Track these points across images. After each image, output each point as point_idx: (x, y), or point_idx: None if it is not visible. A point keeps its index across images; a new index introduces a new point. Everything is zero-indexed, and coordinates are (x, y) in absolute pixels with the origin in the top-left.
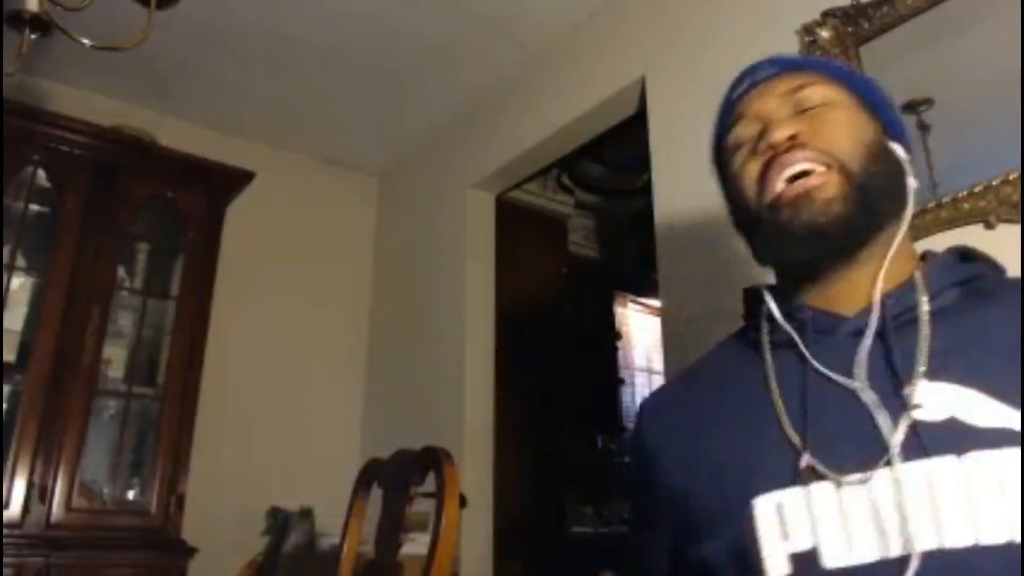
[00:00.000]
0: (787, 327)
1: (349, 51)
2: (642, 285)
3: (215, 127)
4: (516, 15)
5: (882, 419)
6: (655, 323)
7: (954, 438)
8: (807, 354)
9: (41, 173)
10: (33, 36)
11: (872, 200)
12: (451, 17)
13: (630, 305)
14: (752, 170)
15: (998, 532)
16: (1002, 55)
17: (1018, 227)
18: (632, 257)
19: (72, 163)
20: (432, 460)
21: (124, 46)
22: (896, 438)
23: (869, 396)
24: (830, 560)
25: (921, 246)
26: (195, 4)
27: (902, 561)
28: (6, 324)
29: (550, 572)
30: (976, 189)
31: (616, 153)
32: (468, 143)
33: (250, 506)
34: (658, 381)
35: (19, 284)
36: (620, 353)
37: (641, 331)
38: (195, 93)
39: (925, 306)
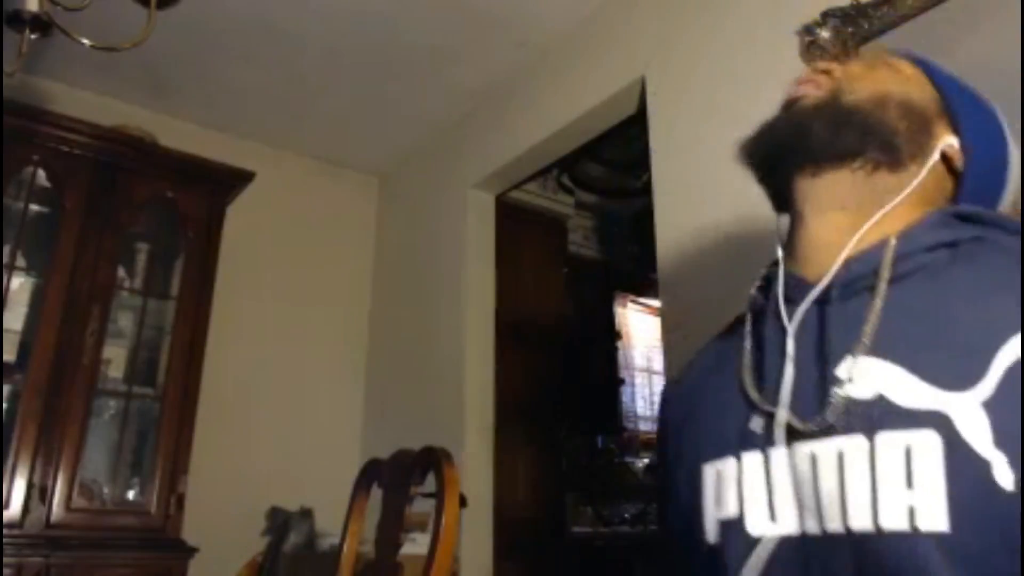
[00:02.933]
0: (756, 296)
1: (349, 50)
2: (642, 285)
3: (215, 127)
4: (516, 15)
5: (798, 391)
6: (655, 323)
7: (874, 416)
8: (747, 331)
9: (41, 173)
10: (33, 36)
11: (847, 119)
12: (451, 17)
13: (630, 305)
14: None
15: (897, 519)
16: (1002, 55)
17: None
18: (632, 257)
19: (72, 163)
20: (432, 460)
21: (124, 46)
22: (817, 411)
23: (788, 371)
24: (754, 528)
25: None
26: (195, 4)
27: (816, 538)
28: (6, 324)
29: (550, 572)
30: None
31: (616, 153)
32: (468, 143)
33: (250, 506)
34: (658, 381)
35: (19, 284)
36: (620, 353)
37: (641, 331)
38: (195, 93)
39: (886, 272)
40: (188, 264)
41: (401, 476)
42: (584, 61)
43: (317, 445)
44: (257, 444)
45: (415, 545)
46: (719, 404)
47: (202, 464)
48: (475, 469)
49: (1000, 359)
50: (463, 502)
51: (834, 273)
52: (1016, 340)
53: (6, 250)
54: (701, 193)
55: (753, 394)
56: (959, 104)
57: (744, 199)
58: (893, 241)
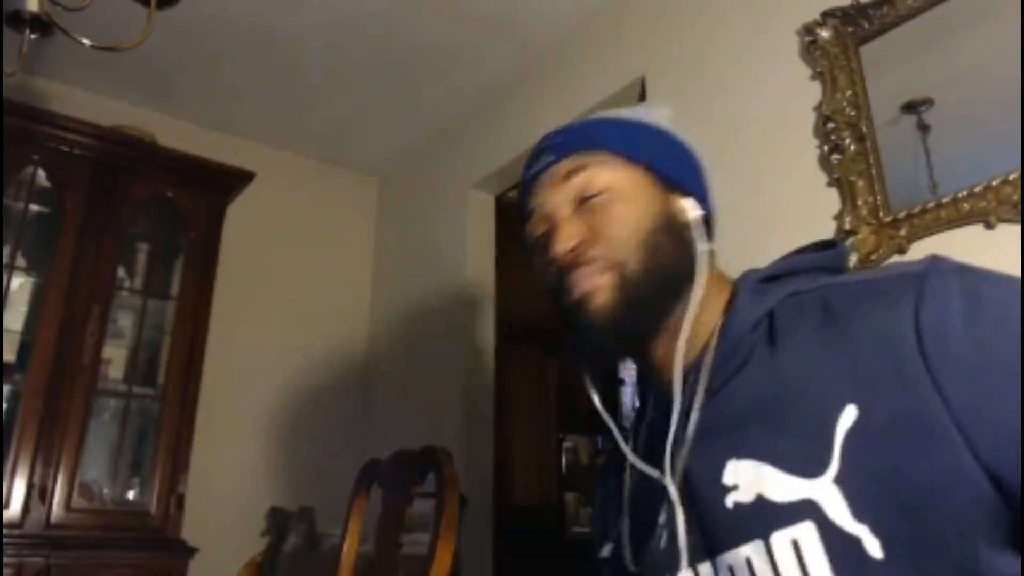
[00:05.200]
0: (606, 419)
1: (349, 51)
2: None
3: (215, 127)
4: (516, 15)
5: (681, 517)
6: None
7: (762, 518)
8: (625, 450)
9: (41, 173)
10: (33, 36)
11: (653, 291)
12: (451, 17)
13: None
14: (550, 277)
15: None
16: (1002, 55)
17: (1018, 227)
18: None
19: (72, 163)
20: (432, 460)
21: (124, 46)
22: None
23: (672, 492)
24: None
25: (922, 246)
26: (195, 4)
27: None
28: (6, 324)
29: (550, 572)
30: (976, 189)
31: None
32: (468, 143)
33: (250, 506)
34: None
35: (19, 284)
36: None
37: None
38: (195, 93)
39: (728, 370)
40: (188, 264)
41: (401, 476)
42: (584, 61)
43: (317, 445)
44: (257, 444)
45: (415, 545)
46: (644, 520)
47: (202, 464)
48: (475, 469)
49: (839, 432)
50: (463, 502)
51: (678, 392)
52: (850, 408)
53: (6, 250)
54: None
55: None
56: (662, 164)
57: (743, 198)
58: (714, 339)
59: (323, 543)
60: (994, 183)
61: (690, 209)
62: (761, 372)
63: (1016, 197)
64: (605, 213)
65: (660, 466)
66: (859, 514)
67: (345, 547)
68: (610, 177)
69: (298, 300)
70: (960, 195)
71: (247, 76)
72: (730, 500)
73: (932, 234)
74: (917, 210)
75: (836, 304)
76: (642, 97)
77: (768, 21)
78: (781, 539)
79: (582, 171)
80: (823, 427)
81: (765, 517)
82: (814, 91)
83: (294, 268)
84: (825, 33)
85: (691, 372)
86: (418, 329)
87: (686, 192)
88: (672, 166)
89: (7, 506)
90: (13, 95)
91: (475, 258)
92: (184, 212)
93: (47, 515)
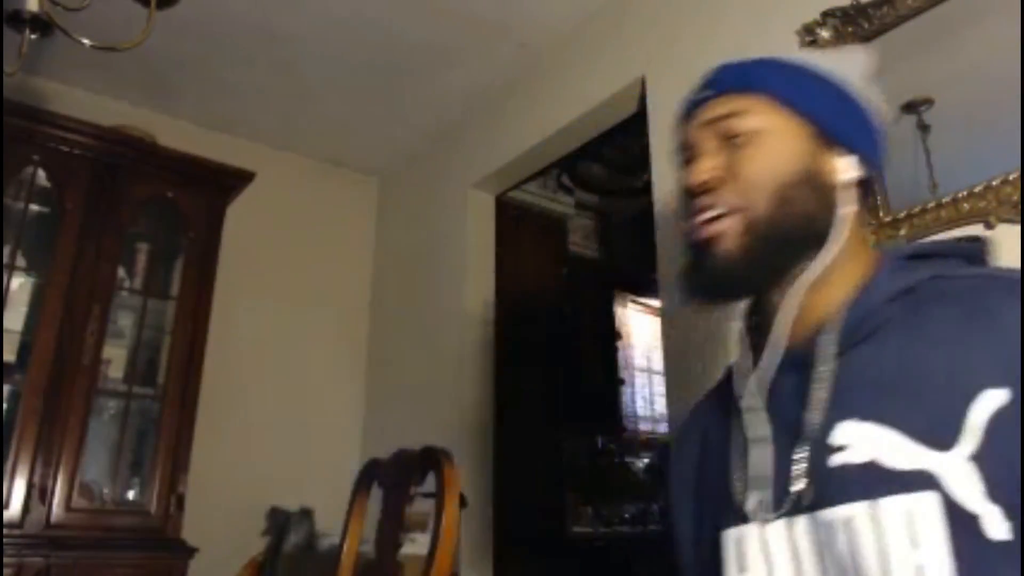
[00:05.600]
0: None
1: (349, 51)
2: (642, 285)
3: (215, 127)
4: (516, 16)
5: (796, 464)
6: (655, 323)
7: (872, 482)
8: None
9: (41, 173)
10: (33, 36)
11: (778, 245)
12: (451, 18)
13: (630, 305)
14: (682, 206)
15: None
16: (1002, 55)
17: (1018, 227)
18: (632, 257)
19: (72, 163)
20: (432, 460)
21: (124, 46)
22: (808, 482)
23: (776, 443)
24: None
25: None
26: (195, 4)
27: None
28: (6, 324)
29: (550, 572)
30: (976, 189)
31: (616, 153)
32: (468, 143)
33: (250, 506)
34: (658, 381)
35: (19, 284)
36: (620, 353)
37: (641, 331)
38: (195, 93)
39: (831, 348)
40: (188, 264)
41: (401, 476)
42: (584, 61)
43: (317, 445)
44: (257, 444)
45: (415, 545)
46: (729, 471)
47: (202, 464)
48: (475, 469)
49: (976, 411)
50: (463, 502)
51: (781, 346)
52: (991, 391)
53: (6, 250)
54: None
55: (736, 481)
56: (826, 117)
57: None
58: (846, 302)
59: (323, 543)
60: (994, 183)
61: (844, 170)
62: (895, 344)
63: (1016, 197)
64: (745, 156)
65: (791, 421)
66: (994, 494)
67: (345, 547)
68: (760, 121)
69: (298, 300)
70: (960, 195)
71: (247, 76)
72: (835, 460)
73: (932, 234)
74: (917, 210)
75: (987, 294)
76: (642, 97)
77: (768, 21)
78: (894, 505)
79: (734, 114)
80: (960, 404)
81: (876, 481)
82: None
83: (294, 268)
84: (825, 33)
85: (816, 332)
86: (418, 329)
87: (850, 150)
88: (836, 121)
89: (7, 506)
90: (13, 95)
91: (475, 258)
92: (184, 212)
93: (47, 515)
